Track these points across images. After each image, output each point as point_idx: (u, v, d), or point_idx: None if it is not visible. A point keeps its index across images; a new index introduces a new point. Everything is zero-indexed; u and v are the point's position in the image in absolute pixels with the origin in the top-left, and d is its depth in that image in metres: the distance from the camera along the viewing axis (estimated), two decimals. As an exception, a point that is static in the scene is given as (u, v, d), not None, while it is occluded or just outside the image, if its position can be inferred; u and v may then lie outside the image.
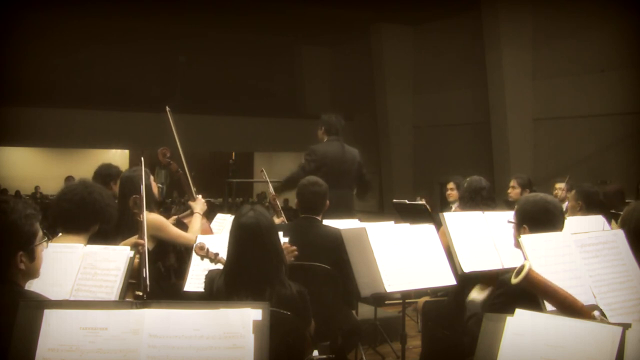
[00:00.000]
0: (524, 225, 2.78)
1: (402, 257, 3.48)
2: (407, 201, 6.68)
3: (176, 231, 3.85)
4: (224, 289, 2.56)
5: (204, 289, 2.72)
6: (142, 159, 2.94)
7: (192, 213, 4.14)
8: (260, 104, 17.27)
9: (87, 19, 14.27)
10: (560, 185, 6.43)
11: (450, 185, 6.29)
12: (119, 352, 1.63)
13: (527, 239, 2.61)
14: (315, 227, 3.90)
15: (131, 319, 1.65)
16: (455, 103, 13.80)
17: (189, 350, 1.63)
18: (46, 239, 2.05)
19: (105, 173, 4.49)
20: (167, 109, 4.34)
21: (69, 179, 6.19)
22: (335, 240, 3.72)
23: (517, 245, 2.76)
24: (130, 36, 15.60)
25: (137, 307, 1.67)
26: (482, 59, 12.46)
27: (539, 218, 2.74)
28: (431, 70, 14.59)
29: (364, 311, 5.12)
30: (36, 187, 16.72)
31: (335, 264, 3.71)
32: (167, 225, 3.82)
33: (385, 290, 3.37)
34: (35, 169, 18.06)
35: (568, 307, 2.18)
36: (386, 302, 5.35)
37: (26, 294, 1.95)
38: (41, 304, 1.70)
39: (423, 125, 14.83)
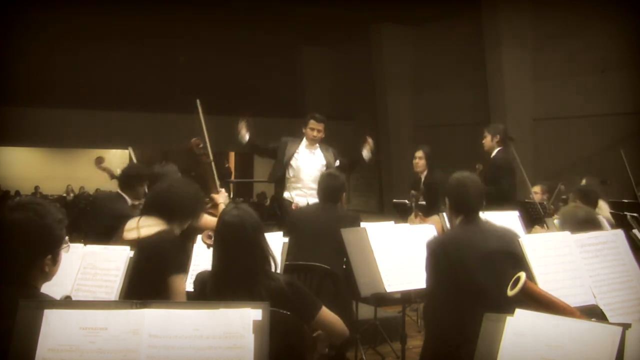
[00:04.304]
0: (447, 199, 3.13)
1: (402, 257, 3.48)
2: (407, 201, 6.68)
3: (206, 216, 3.82)
4: (214, 289, 2.53)
5: (194, 290, 2.68)
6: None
7: (214, 205, 4.13)
8: (260, 104, 17.26)
9: (87, 19, 14.27)
10: (536, 189, 6.50)
11: (419, 153, 6.45)
12: (119, 352, 1.63)
13: (527, 239, 2.62)
14: (333, 211, 4.33)
15: (131, 319, 1.65)
16: (455, 103, 13.80)
17: (188, 350, 1.63)
18: (67, 244, 2.06)
19: (134, 174, 4.57)
20: (198, 101, 4.51)
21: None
22: (352, 222, 4.16)
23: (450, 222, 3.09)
24: (130, 36, 15.60)
25: (137, 307, 1.67)
26: (482, 59, 12.45)
27: (454, 192, 3.09)
28: (431, 70, 14.58)
29: (364, 311, 5.12)
30: (36, 187, 16.71)
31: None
32: None
33: (385, 290, 3.38)
34: (35, 169, 18.06)
35: (565, 314, 2.19)
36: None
37: (42, 297, 1.93)
38: (41, 304, 1.70)
39: (423, 125, 14.83)
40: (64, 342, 1.64)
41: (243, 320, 1.64)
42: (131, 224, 3.10)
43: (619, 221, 4.40)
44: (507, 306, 2.66)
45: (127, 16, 13.98)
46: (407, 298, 4.11)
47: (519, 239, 2.90)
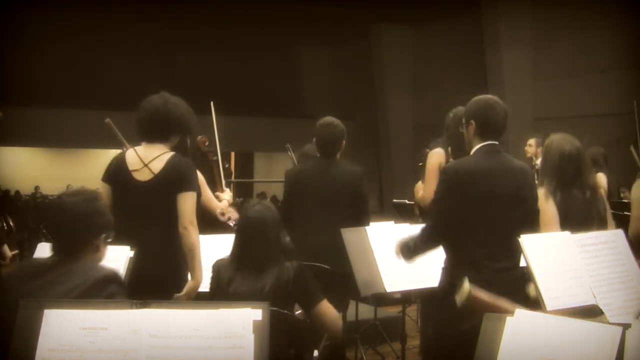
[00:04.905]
0: (472, 121, 2.88)
1: (402, 257, 3.47)
2: (407, 201, 6.66)
3: (211, 194, 3.82)
4: (229, 272, 2.74)
5: (211, 277, 2.85)
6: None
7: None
8: (260, 104, 17.25)
9: (87, 19, 14.28)
10: (531, 142, 6.39)
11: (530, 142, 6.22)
12: (119, 352, 1.63)
13: (527, 239, 2.61)
14: (334, 165, 4.04)
15: (131, 319, 1.66)
16: (456, 103, 13.75)
17: (189, 350, 1.63)
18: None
19: None
20: (212, 103, 4.50)
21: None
22: (355, 177, 4.01)
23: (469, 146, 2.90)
24: (130, 36, 15.60)
25: (137, 307, 1.67)
26: (482, 59, 12.45)
27: (482, 114, 2.87)
28: (431, 70, 14.59)
29: (364, 311, 5.12)
30: (36, 187, 16.70)
31: (353, 200, 3.92)
32: (205, 185, 3.78)
33: (385, 290, 3.38)
34: (35, 169, 18.04)
35: None
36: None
37: (102, 269, 2.09)
38: (41, 303, 1.70)
39: (423, 125, 14.83)
40: (64, 342, 1.64)
41: (243, 320, 1.64)
42: (135, 163, 3.08)
43: (619, 221, 4.39)
44: (500, 243, 2.68)
45: (127, 16, 13.98)
46: (407, 298, 4.10)
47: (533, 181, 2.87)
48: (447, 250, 2.87)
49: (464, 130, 2.98)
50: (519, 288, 2.68)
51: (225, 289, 2.69)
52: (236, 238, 2.85)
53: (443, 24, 13.98)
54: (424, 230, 2.91)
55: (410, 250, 2.94)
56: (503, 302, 2.23)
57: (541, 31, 11.84)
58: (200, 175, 3.69)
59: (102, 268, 2.11)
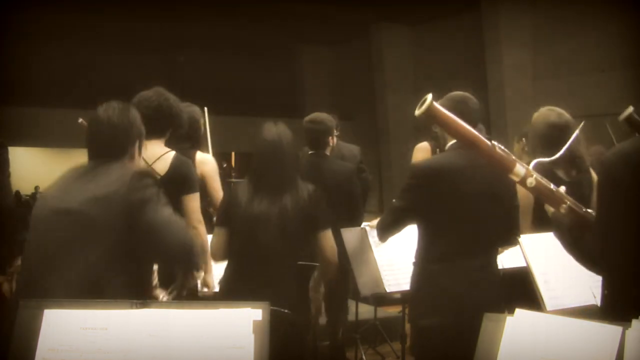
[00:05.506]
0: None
1: (402, 257, 3.47)
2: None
3: (220, 186, 3.78)
4: (249, 195, 2.84)
5: (225, 198, 2.99)
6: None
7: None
8: (260, 104, 17.24)
9: (87, 18, 14.27)
10: None
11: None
12: (119, 352, 1.63)
13: (527, 239, 2.61)
14: (326, 162, 4.09)
15: (131, 319, 1.66)
16: (455, 103, 13.79)
17: (189, 351, 1.63)
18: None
19: None
20: (205, 108, 4.50)
21: None
22: (348, 174, 4.07)
23: (444, 142, 2.84)
24: (130, 36, 15.59)
25: (137, 307, 1.67)
26: (482, 59, 12.45)
27: (455, 108, 2.72)
28: (431, 70, 14.58)
29: (364, 311, 5.12)
30: (36, 187, 16.69)
31: (347, 198, 3.97)
32: (217, 173, 3.78)
33: (385, 290, 3.38)
34: (35, 169, 18.03)
35: (469, 141, 2.21)
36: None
37: (139, 167, 2.29)
38: (41, 303, 1.70)
39: (423, 125, 14.83)
40: (64, 342, 1.64)
41: (243, 320, 1.64)
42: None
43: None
44: (475, 241, 2.63)
45: (126, 16, 13.98)
46: (407, 298, 4.10)
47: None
48: (418, 245, 2.79)
49: (437, 128, 2.94)
50: (494, 286, 2.65)
51: (244, 208, 2.78)
52: (253, 160, 2.97)
53: (443, 24, 13.98)
54: (392, 211, 2.85)
55: (384, 228, 2.88)
56: (462, 122, 2.23)
57: (541, 31, 11.83)
58: (214, 164, 3.70)
59: (139, 166, 2.30)
